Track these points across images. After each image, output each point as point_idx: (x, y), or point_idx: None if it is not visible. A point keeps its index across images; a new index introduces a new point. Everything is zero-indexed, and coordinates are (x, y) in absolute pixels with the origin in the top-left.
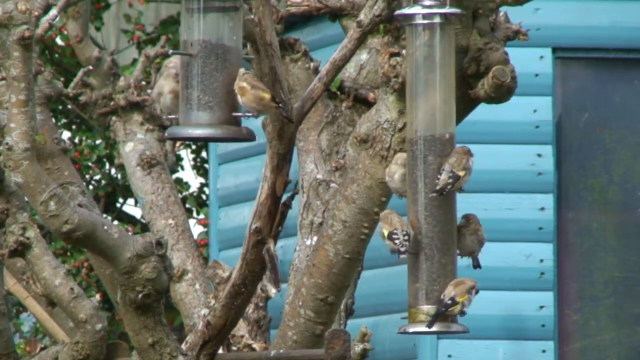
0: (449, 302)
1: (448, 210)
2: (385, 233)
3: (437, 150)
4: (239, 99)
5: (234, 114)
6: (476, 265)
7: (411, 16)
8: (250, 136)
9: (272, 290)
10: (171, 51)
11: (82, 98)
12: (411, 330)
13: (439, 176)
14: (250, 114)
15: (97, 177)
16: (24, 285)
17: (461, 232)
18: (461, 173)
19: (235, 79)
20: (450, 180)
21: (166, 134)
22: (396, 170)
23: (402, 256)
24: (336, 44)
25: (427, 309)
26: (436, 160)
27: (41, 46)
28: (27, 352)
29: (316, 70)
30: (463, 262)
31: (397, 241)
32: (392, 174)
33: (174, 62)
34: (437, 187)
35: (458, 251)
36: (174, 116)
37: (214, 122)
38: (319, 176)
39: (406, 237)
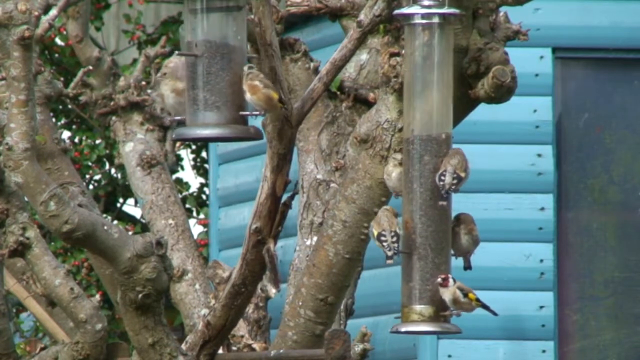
0: (455, 180)
1: (443, 210)
2: (375, 234)
3: (433, 150)
4: (248, 96)
5: (241, 112)
6: (467, 266)
7: (410, 16)
8: (258, 135)
9: (272, 290)
10: (177, 52)
11: (82, 98)
12: (403, 329)
13: (442, 178)
14: (257, 113)
15: (97, 177)
16: (24, 285)
17: (455, 231)
18: (463, 174)
19: (242, 78)
20: (455, 181)
21: (174, 136)
22: (394, 168)
23: (389, 261)
24: (336, 44)
25: (420, 308)
26: (432, 160)
27: (41, 46)
28: (27, 352)
29: (316, 70)
30: (457, 262)
31: (384, 244)
32: (390, 172)
33: (173, 62)
34: (444, 191)
35: (453, 251)
36: (179, 117)
37: (222, 121)
38: (319, 176)
39: (394, 239)
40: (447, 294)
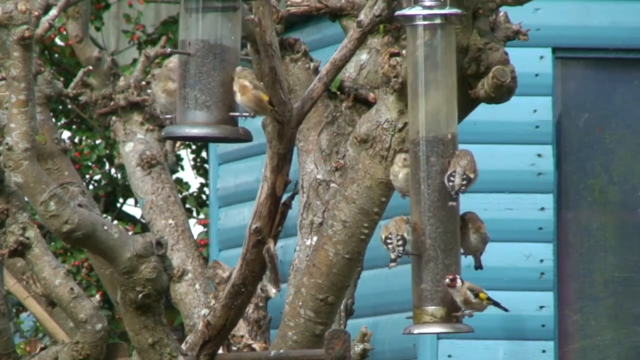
0: (465, 181)
1: (451, 210)
2: (382, 237)
3: (439, 150)
4: (237, 96)
5: (231, 113)
6: (478, 266)
7: (412, 17)
8: (247, 136)
9: (272, 290)
10: (169, 50)
11: (82, 98)
12: (416, 331)
13: (452, 179)
14: (247, 114)
15: (97, 177)
16: (24, 285)
17: (463, 231)
18: (472, 175)
19: (234, 78)
20: (464, 182)
21: (163, 133)
22: (400, 169)
23: (392, 264)
24: (336, 44)
25: (432, 309)
26: (439, 161)
27: (41, 46)
28: (27, 352)
29: (316, 70)
30: (466, 262)
31: (390, 246)
32: (396, 173)
33: (173, 62)
34: (453, 192)
35: (462, 250)
36: (170, 116)
37: (211, 121)
38: (319, 176)
39: (400, 243)
40: (458, 296)
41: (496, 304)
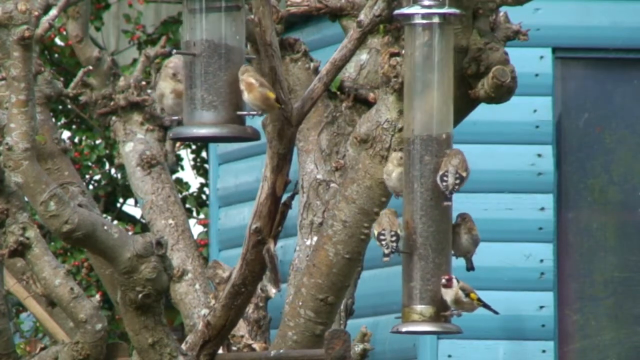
0: (457, 180)
1: (443, 210)
2: (375, 233)
3: (433, 150)
4: (244, 95)
5: (239, 112)
6: (470, 267)
7: (410, 16)
8: (255, 135)
9: (272, 290)
10: (175, 51)
11: (82, 98)
12: (404, 329)
13: (445, 178)
14: (255, 113)
15: (97, 177)
16: (24, 285)
17: (455, 230)
18: (464, 174)
19: (239, 77)
20: (457, 181)
21: (171, 135)
22: (394, 168)
23: (385, 259)
24: (336, 44)
25: (421, 308)
26: (432, 160)
27: (41, 46)
28: (27, 352)
29: (316, 70)
30: (457, 262)
31: (383, 242)
32: (390, 172)
33: (173, 62)
34: (447, 192)
35: (453, 252)
36: (177, 117)
37: (219, 121)
38: (319, 176)
39: (393, 239)
40: (449, 295)
41: (486, 306)
